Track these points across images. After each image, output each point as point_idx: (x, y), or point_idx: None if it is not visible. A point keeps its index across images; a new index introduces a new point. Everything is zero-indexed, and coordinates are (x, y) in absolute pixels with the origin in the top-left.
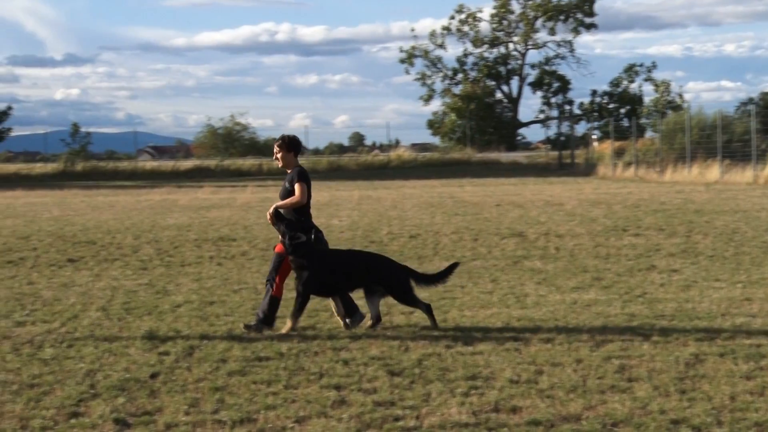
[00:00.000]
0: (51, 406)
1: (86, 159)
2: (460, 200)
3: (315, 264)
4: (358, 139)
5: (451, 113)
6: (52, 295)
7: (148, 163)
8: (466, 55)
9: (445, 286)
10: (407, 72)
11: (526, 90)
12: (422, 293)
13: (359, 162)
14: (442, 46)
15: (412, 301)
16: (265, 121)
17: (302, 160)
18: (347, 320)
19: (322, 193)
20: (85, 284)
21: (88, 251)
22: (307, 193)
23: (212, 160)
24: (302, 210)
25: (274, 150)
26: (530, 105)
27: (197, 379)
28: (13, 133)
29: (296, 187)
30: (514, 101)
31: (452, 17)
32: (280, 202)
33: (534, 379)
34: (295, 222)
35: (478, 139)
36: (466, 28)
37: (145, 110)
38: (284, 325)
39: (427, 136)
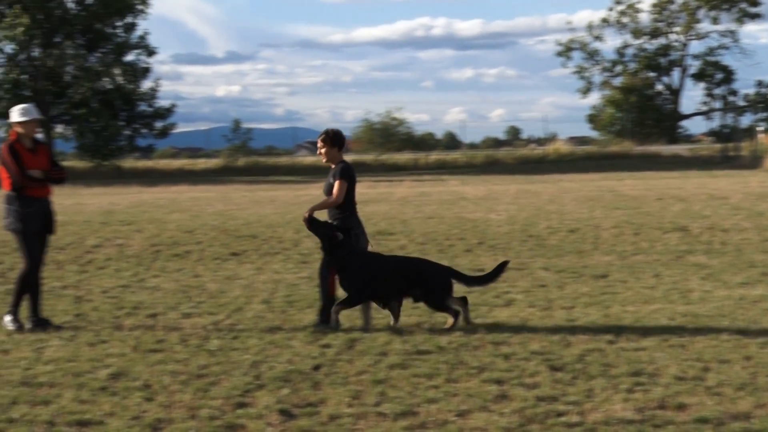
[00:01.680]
0: (218, 396)
1: (247, 154)
2: (619, 194)
3: (355, 266)
4: (514, 133)
5: (610, 106)
6: (217, 288)
7: (307, 158)
8: (625, 46)
9: (606, 281)
10: (565, 65)
11: (688, 81)
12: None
13: (516, 156)
14: (600, 38)
15: (445, 308)
16: (421, 115)
17: (458, 155)
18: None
19: (478, 188)
20: (248, 277)
21: (250, 245)
22: (346, 191)
23: (369, 154)
24: (345, 207)
25: (318, 145)
26: (692, 96)
27: (359, 372)
28: (176, 130)
29: (336, 184)
30: (675, 93)
31: (611, 8)
32: (316, 204)
33: (701, 375)
34: (332, 225)
35: (637, 132)
36: (625, 20)
37: (304, 106)
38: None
39: (584, 130)
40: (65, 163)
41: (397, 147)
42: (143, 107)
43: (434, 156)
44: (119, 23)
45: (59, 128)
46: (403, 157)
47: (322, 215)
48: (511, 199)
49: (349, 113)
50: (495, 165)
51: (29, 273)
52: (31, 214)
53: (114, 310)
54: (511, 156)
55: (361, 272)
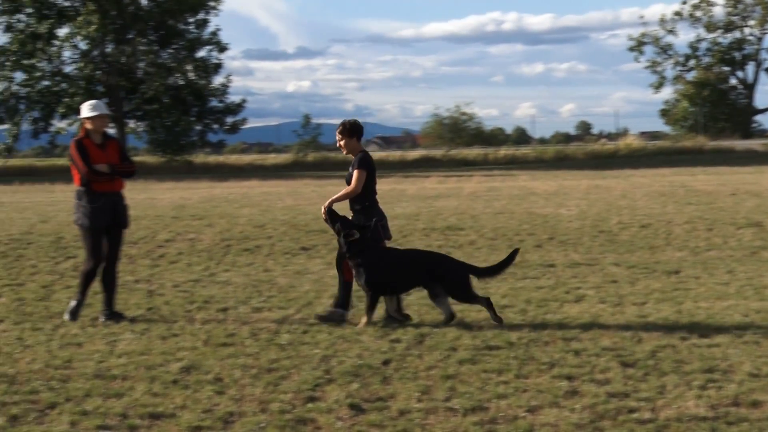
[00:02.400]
0: (289, 390)
1: (316, 150)
2: (692, 189)
3: (371, 261)
4: (584, 127)
5: (683, 100)
6: (287, 282)
7: (376, 153)
8: (698, 40)
9: (679, 277)
10: (637, 59)
11: (763, 76)
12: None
13: (586, 151)
14: (673, 32)
15: (471, 298)
16: (490, 110)
17: (528, 150)
18: (398, 315)
19: (548, 183)
20: (318, 272)
21: (320, 240)
22: (365, 181)
23: (439, 150)
24: (366, 197)
25: (337, 138)
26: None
27: (428, 367)
28: (247, 125)
29: (354, 174)
30: (749, 87)
31: (684, 2)
32: (335, 196)
33: None
34: (350, 220)
35: (710, 127)
36: (698, 13)
37: (373, 101)
38: (360, 320)
39: (656, 125)
40: (137, 159)
41: (466, 142)
42: (214, 103)
43: (504, 151)
44: (191, 19)
45: (132, 124)
46: (473, 152)
47: (344, 206)
48: (581, 195)
49: (418, 108)
50: (565, 160)
51: (90, 268)
52: (98, 209)
53: (185, 304)
54: (581, 151)
55: (378, 268)
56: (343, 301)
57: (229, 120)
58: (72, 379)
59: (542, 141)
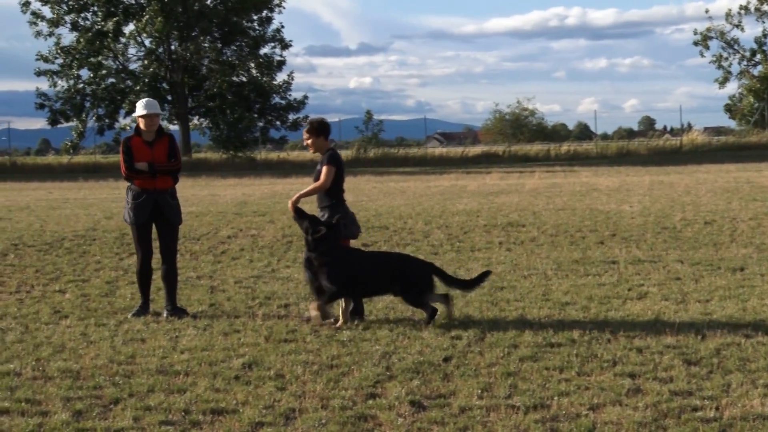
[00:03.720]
0: (349, 387)
1: (378, 146)
2: (758, 185)
3: (337, 260)
4: (648, 123)
5: (749, 95)
6: None
7: (437, 150)
8: (765, 35)
9: (744, 274)
10: (702, 54)
11: None
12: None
13: (649, 147)
14: (739, 26)
15: (421, 305)
16: (552, 106)
17: (591, 146)
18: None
19: (611, 179)
20: None
21: (380, 236)
22: (334, 177)
23: (500, 146)
24: (333, 194)
25: (304, 136)
26: None
27: (489, 364)
28: None
29: (323, 170)
30: None
31: None
32: (303, 191)
33: None
34: (318, 218)
35: None
36: (765, 7)
37: (434, 97)
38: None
39: (721, 120)
40: (200, 155)
41: (527, 138)
42: (277, 100)
43: (566, 147)
44: (255, 17)
45: (195, 121)
46: (534, 148)
47: (311, 204)
48: (644, 191)
49: (479, 104)
50: (628, 156)
51: (139, 264)
52: (138, 205)
53: (247, 300)
54: (644, 147)
55: (343, 268)
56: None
57: (292, 117)
58: (135, 375)
59: (605, 137)
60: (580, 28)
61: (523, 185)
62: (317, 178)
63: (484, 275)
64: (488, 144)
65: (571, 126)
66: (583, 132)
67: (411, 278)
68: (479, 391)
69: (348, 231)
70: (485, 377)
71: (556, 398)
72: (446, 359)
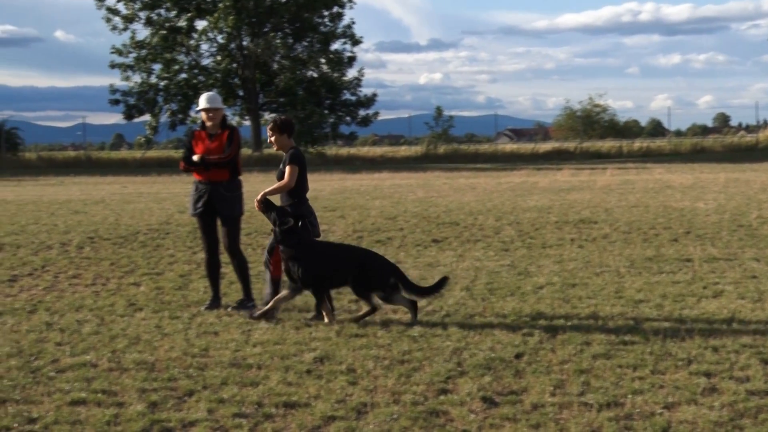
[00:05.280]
0: (421, 382)
1: (448, 142)
2: None
3: (305, 253)
4: (722, 119)
5: None
6: (418, 274)
7: (508, 146)
8: None
9: None
10: None
11: None
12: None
13: (724, 143)
14: None
15: (365, 297)
16: (624, 102)
17: (664, 142)
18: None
19: (685, 176)
20: (450, 264)
21: (451, 232)
22: (297, 177)
23: (571, 142)
24: (296, 194)
25: (268, 134)
26: None
27: (561, 361)
28: (379, 118)
29: (287, 169)
30: None
31: None
32: (268, 189)
33: None
34: (286, 210)
35: None
36: None
37: (505, 93)
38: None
39: None
40: (271, 151)
41: (599, 134)
42: (347, 95)
43: (638, 143)
44: (326, 13)
45: (266, 116)
46: (606, 144)
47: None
48: (719, 188)
49: (550, 100)
50: (702, 153)
51: (205, 255)
52: (194, 197)
53: None
54: (719, 144)
55: (312, 262)
56: (270, 297)
57: (362, 112)
58: (209, 368)
59: (678, 133)
60: (653, 24)
61: (595, 182)
62: (281, 177)
63: (443, 282)
64: (559, 140)
65: (643, 123)
66: (656, 129)
67: (368, 272)
68: (551, 388)
69: (313, 230)
70: (557, 374)
71: (629, 396)
72: (518, 356)
